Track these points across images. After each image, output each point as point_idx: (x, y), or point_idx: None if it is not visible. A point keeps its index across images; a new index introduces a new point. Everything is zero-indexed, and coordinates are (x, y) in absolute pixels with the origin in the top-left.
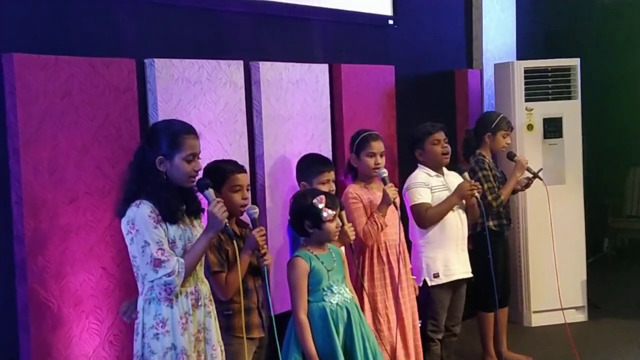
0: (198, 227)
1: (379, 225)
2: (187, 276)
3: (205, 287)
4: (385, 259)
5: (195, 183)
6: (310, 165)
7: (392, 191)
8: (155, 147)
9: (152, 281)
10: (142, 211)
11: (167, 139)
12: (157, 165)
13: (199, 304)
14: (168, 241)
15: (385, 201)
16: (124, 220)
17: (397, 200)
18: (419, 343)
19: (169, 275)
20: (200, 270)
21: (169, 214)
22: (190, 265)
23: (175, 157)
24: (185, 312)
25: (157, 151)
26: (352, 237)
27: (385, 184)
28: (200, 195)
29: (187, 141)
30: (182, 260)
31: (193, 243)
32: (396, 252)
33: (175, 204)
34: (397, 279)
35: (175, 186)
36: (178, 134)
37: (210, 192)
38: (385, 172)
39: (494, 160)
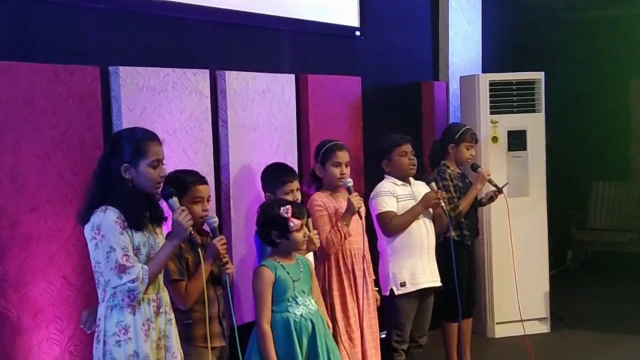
0: (160, 235)
1: (342, 234)
2: (150, 283)
3: (166, 295)
4: (350, 267)
5: (159, 191)
6: (273, 176)
7: (356, 200)
8: (119, 155)
9: (115, 287)
10: (108, 217)
11: (131, 146)
12: (122, 172)
13: (160, 311)
14: (133, 248)
15: (350, 210)
16: (87, 226)
17: (362, 210)
18: (378, 356)
19: (132, 281)
20: (161, 278)
21: (135, 221)
22: (154, 272)
23: (140, 164)
24: (147, 319)
25: (121, 159)
26: (318, 244)
27: (350, 193)
28: (163, 204)
29: (151, 147)
30: (146, 267)
31: (156, 251)
32: (361, 262)
33: (141, 211)
34: (361, 288)
35: (140, 193)
36: (141, 140)
37: (175, 200)
38: (350, 182)
39: (462, 171)
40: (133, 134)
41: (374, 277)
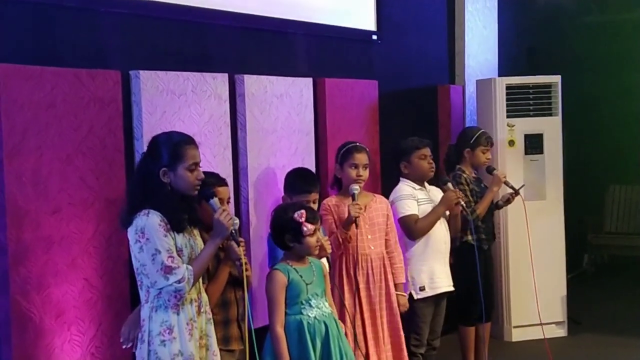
0: (198, 237)
1: (340, 241)
2: (194, 283)
3: (205, 296)
4: (352, 272)
5: (198, 193)
6: (295, 181)
7: (354, 209)
8: (157, 159)
9: (161, 288)
10: (152, 220)
11: (169, 151)
12: (161, 176)
13: (202, 311)
14: (176, 249)
15: (347, 219)
16: (131, 229)
17: (377, 217)
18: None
19: (179, 282)
20: (201, 280)
21: (176, 223)
22: (198, 271)
23: (178, 167)
24: (190, 318)
25: (159, 163)
26: (329, 251)
27: (353, 200)
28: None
29: (189, 151)
30: (190, 267)
31: (197, 252)
32: (365, 267)
33: (181, 214)
34: (365, 293)
35: (178, 196)
36: (179, 145)
37: (216, 200)
38: (356, 190)
39: (478, 175)
40: (170, 139)
41: (402, 281)
